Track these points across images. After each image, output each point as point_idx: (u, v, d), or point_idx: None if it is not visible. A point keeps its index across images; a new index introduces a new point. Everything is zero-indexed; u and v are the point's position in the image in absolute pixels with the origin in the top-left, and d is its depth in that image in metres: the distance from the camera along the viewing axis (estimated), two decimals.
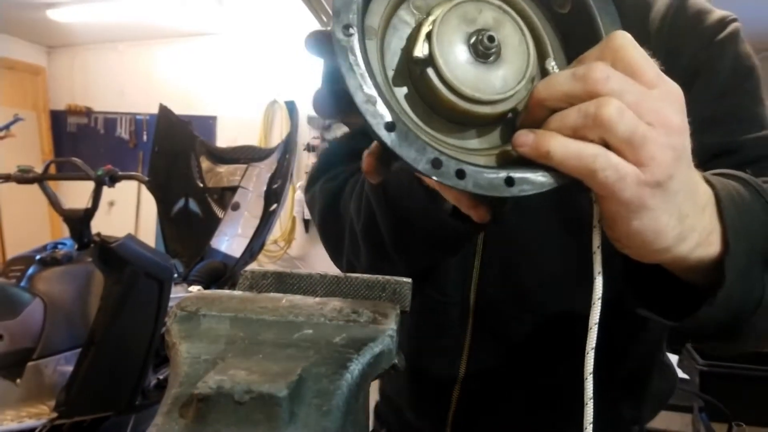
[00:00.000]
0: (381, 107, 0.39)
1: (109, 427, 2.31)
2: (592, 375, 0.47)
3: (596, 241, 0.47)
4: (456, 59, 0.42)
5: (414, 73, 0.44)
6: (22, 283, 2.25)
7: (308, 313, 0.33)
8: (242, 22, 6.15)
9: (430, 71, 0.42)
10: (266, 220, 3.57)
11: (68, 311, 2.26)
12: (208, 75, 6.71)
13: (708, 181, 0.51)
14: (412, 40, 0.44)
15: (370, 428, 1.04)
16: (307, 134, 6.47)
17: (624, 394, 0.88)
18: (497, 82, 0.43)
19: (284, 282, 0.38)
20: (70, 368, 2.17)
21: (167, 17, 5.92)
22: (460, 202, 0.50)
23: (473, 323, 0.85)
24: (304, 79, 6.36)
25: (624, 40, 0.42)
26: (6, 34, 6.40)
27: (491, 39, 0.42)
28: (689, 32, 0.78)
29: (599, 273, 0.46)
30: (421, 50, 0.42)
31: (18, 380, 2.09)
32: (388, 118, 0.39)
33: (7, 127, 4.55)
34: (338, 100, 0.42)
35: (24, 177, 2.59)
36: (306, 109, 6.34)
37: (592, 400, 0.47)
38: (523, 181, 0.42)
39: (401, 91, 0.44)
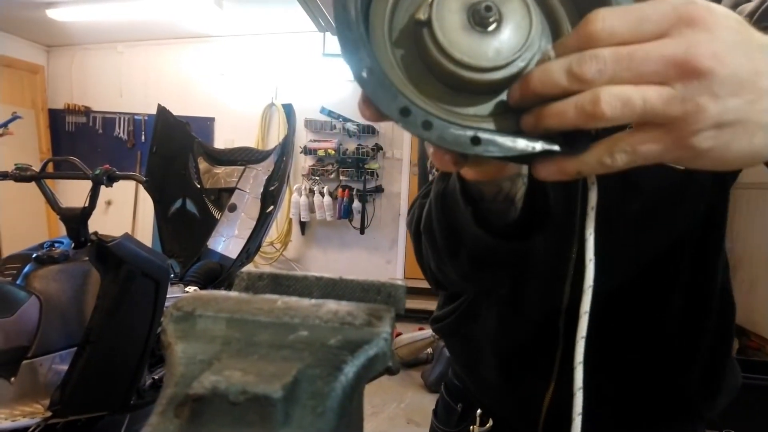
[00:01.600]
0: (363, 54, 0.42)
1: (103, 426, 2.30)
2: (582, 364, 0.47)
3: (590, 227, 0.47)
4: (452, 24, 0.43)
5: (416, 33, 0.45)
6: (18, 281, 2.24)
7: (303, 314, 0.33)
8: (241, 26, 6.16)
9: (425, 32, 0.44)
10: (263, 221, 3.57)
11: (64, 310, 2.26)
12: (206, 77, 6.71)
13: None
14: (418, 3, 0.46)
15: (437, 401, 1.12)
16: (303, 137, 6.48)
17: (700, 388, 0.89)
18: (490, 52, 0.44)
19: (280, 284, 0.38)
20: (65, 367, 2.16)
21: (167, 19, 5.92)
22: (437, 159, 0.51)
23: (563, 343, 0.87)
24: (302, 82, 6.37)
25: (602, 23, 0.39)
26: (5, 33, 6.40)
27: (488, 8, 0.43)
28: None
29: (591, 260, 0.47)
30: (423, 12, 0.44)
31: (12, 379, 2.08)
32: (368, 63, 0.41)
33: (5, 125, 4.55)
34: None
35: (22, 175, 2.58)
36: (303, 112, 6.35)
37: (581, 390, 0.48)
38: (490, 143, 0.43)
39: (401, 49, 0.46)
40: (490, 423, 0.99)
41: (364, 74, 0.41)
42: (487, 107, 0.47)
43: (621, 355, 0.87)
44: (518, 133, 0.44)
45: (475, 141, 0.42)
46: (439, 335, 1.07)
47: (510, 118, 0.46)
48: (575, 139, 0.44)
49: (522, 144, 0.43)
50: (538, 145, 0.43)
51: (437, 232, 0.76)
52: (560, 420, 0.90)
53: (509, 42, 0.44)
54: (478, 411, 1.01)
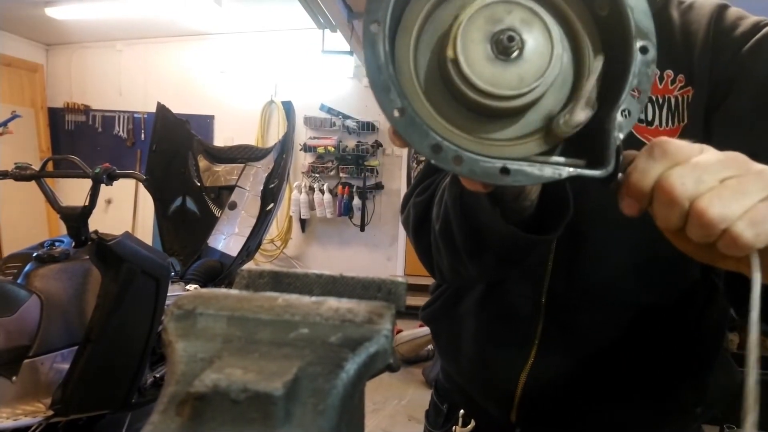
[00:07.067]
0: (393, 95, 0.44)
1: (105, 425, 2.30)
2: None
3: (754, 312, 0.45)
4: (476, 56, 0.45)
5: (442, 68, 0.48)
6: (19, 281, 2.24)
7: (304, 312, 0.33)
8: (240, 23, 6.15)
9: (450, 64, 0.46)
10: (263, 219, 3.56)
11: (65, 309, 2.26)
12: (206, 74, 6.70)
13: None
14: (442, 39, 0.48)
15: (429, 402, 1.12)
16: (303, 134, 6.47)
17: (687, 380, 0.89)
18: (514, 79, 0.45)
19: (280, 281, 0.38)
20: (66, 366, 2.16)
21: (166, 17, 5.91)
22: (468, 183, 0.55)
23: (544, 317, 0.88)
24: (301, 79, 6.37)
25: (668, 146, 0.46)
26: (4, 31, 6.38)
27: (511, 38, 0.45)
28: (726, 39, 0.79)
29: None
30: (450, 48, 0.46)
31: (14, 378, 2.08)
32: (398, 104, 0.44)
33: (5, 124, 4.55)
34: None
35: (21, 174, 2.58)
36: (302, 109, 6.34)
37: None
38: (519, 173, 0.45)
39: (427, 80, 0.49)
40: (473, 424, 0.99)
41: (396, 114, 0.44)
42: (512, 131, 0.49)
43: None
44: (544, 155, 0.47)
45: (505, 171, 0.45)
46: (427, 322, 1.07)
47: (533, 141, 0.48)
48: (600, 160, 0.46)
49: (549, 172, 0.46)
50: (565, 172, 0.46)
51: (457, 235, 0.77)
52: (533, 404, 0.91)
53: (532, 67, 0.46)
54: (461, 411, 1.01)
